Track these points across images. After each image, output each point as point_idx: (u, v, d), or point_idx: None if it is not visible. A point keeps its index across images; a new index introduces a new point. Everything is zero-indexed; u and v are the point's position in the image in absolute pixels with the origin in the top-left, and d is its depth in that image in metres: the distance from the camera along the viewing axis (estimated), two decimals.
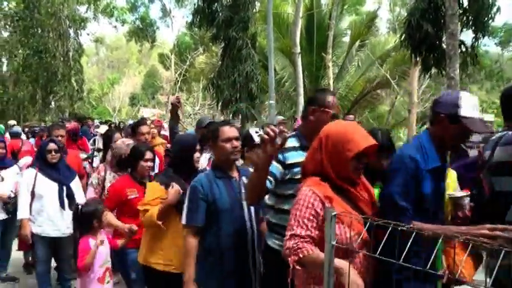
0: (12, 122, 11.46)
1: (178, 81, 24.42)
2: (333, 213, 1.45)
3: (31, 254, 5.06)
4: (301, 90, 13.16)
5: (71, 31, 20.44)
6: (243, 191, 2.55)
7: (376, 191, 2.14)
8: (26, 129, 11.27)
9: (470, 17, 8.80)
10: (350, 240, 1.74)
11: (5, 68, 21.91)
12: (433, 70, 9.58)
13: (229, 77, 11.87)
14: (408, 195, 1.98)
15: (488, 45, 30.56)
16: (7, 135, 8.25)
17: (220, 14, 11.84)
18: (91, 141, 7.03)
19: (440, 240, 1.33)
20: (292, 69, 14.68)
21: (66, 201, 4.03)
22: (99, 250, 3.20)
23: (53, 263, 4.36)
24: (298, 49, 13.24)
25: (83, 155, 5.59)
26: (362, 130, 1.96)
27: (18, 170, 4.88)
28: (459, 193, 2.57)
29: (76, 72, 20.43)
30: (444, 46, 8.35)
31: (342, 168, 1.89)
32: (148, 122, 5.74)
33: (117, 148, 4.05)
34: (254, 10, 12.81)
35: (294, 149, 2.49)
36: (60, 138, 4.85)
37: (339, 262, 1.58)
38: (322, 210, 1.77)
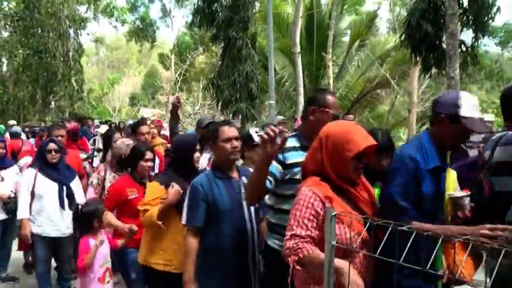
0: (11, 122, 11.45)
1: (178, 81, 24.41)
2: (333, 213, 1.45)
3: (31, 254, 5.06)
4: (301, 90, 13.17)
5: (71, 31, 20.43)
6: (243, 191, 2.55)
7: (376, 191, 2.14)
8: (26, 129, 11.26)
9: (470, 17, 8.79)
10: (350, 240, 1.74)
11: (5, 68, 21.91)
12: (433, 70, 9.57)
13: (229, 77, 11.87)
14: (408, 195, 1.98)
15: (488, 45, 30.56)
16: (7, 135, 8.25)
17: (220, 14, 11.84)
18: (91, 141, 7.03)
19: (440, 241, 1.32)
20: (292, 69, 14.68)
21: (66, 201, 4.03)
22: (99, 250, 3.20)
23: (53, 263, 4.36)
24: (298, 49, 13.24)
25: (83, 155, 5.59)
26: (362, 130, 1.96)
27: (18, 170, 4.88)
28: (459, 193, 2.56)
29: (76, 72, 20.43)
30: (444, 46, 8.34)
31: (342, 168, 1.89)
32: (148, 122, 5.74)
33: (117, 148, 4.05)
34: (254, 10, 12.80)
35: (294, 149, 2.49)
36: (60, 138, 4.84)
37: (339, 262, 1.58)
38: (322, 210, 1.77)
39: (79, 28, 20.89)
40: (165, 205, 2.84)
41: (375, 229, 1.43)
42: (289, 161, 2.45)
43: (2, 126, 9.42)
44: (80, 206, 3.34)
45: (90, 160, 5.62)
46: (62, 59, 19.57)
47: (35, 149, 6.36)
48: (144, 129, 4.92)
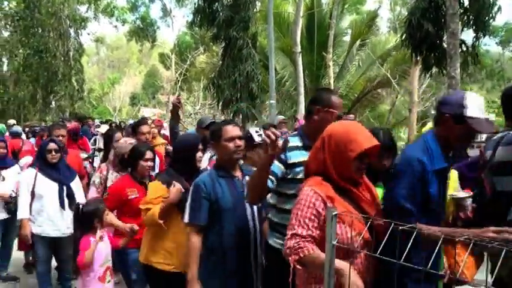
0: (11, 121, 11.44)
1: (178, 80, 24.42)
2: (334, 213, 1.45)
3: (31, 253, 5.06)
4: (302, 90, 13.17)
5: (72, 31, 20.48)
6: (245, 190, 2.55)
7: (379, 191, 2.13)
8: (27, 129, 11.25)
9: (471, 16, 8.80)
10: (351, 240, 1.74)
11: (5, 68, 21.95)
12: (434, 69, 9.58)
13: (229, 76, 11.86)
14: (415, 197, 1.95)
15: (489, 45, 30.59)
16: (7, 134, 8.24)
17: (221, 14, 11.83)
18: (91, 140, 7.04)
19: (440, 241, 1.32)
20: (293, 69, 14.68)
21: (66, 201, 4.02)
22: (99, 248, 3.20)
23: (54, 263, 4.36)
24: (298, 48, 13.25)
25: (84, 155, 5.59)
26: (365, 130, 1.95)
27: (19, 170, 4.88)
28: (461, 194, 2.55)
29: (76, 71, 20.46)
30: (445, 45, 8.35)
31: (345, 168, 1.88)
32: (149, 121, 5.74)
33: (119, 147, 4.04)
34: (255, 10, 12.80)
35: (296, 148, 2.49)
36: (60, 138, 4.84)
37: (339, 263, 1.57)
38: (324, 210, 1.77)
39: (79, 28, 20.93)
40: (166, 204, 2.83)
41: (377, 230, 1.42)
42: (291, 161, 2.45)
43: (3, 125, 9.40)
44: (80, 206, 3.34)
45: (90, 160, 5.63)
46: (62, 58, 19.60)
47: (36, 149, 6.36)
48: (144, 128, 4.92)
